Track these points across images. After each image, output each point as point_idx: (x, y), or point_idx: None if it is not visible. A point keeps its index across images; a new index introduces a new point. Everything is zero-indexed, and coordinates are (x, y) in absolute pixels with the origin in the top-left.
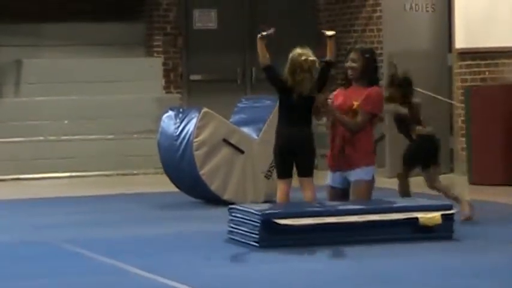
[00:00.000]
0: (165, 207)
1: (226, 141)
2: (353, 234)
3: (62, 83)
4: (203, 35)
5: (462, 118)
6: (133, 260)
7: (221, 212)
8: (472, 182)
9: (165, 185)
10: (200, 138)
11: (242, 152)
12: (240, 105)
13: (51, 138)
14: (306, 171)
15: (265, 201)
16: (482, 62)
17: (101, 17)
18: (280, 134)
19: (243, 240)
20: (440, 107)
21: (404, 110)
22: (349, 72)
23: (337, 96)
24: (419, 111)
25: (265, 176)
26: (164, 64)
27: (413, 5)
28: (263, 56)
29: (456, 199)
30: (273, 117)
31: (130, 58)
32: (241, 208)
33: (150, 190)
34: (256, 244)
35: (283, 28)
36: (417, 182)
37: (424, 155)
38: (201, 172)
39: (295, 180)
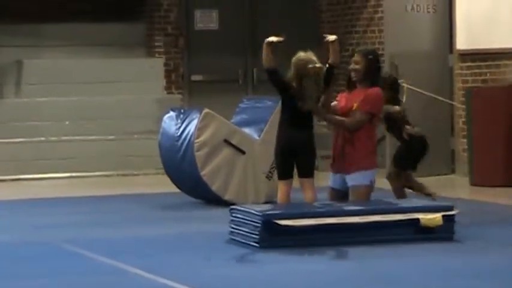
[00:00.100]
0: (166, 207)
1: (227, 141)
2: (354, 235)
3: (63, 83)
4: (204, 36)
5: (463, 119)
6: (134, 261)
7: (222, 212)
8: (473, 183)
9: (166, 186)
10: (201, 138)
11: (243, 152)
12: (241, 105)
13: (52, 138)
14: (307, 172)
15: (266, 202)
16: (483, 63)
17: (102, 18)
18: (282, 135)
19: (243, 240)
20: (441, 108)
21: (397, 109)
22: (352, 74)
23: (341, 99)
24: (405, 111)
25: (266, 177)
26: (165, 65)
27: (415, 6)
28: (267, 59)
29: (430, 195)
30: (275, 118)
31: (131, 59)
32: (242, 209)
33: (150, 191)
34: (257, 245)
35: (284, 29)
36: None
37: (415, 156)
38: (202, 173)
39: (296, 181)
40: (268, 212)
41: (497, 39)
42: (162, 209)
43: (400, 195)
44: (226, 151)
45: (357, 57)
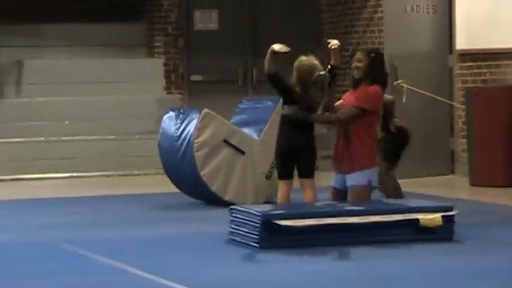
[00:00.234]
0: (166, 208)
1: (226, 142)
2: (353, 235)
3: (63, 83)
4: (204, 36)
5: (463, 119)
6: (134, 261)
7: (222, 212)
8: (473, 183)
9: (165, 186)
10: (201, 139)
11: (243, 152)
12: (241, 106)
13: (52, 138)
14: (307, 172)
15: (266, 202)
16: (483, 64)
17: (102, 18)
18: (283, 136)
19: (243, 241)
20: (441, 108)
21: (390, 98)
22: (354, 72)
23: (345, 97)
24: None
25: (265, 177)
26: (165, 65)
27: (414, 6)
28: (268, 64)
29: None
30: (274, 118)
31: (131, 59)
32: (241, 209)
33: (150, 191)
34: (257, 245)
35: (284, 29)
36: (420, 183)
37: (401, 149)
38: (202, 173)
39: (297, 181)
40: (268, 212)
41: (497, 40)
42: (161, 209)
43: (398, 194)
44: (226, 151)
45: (359, 55)
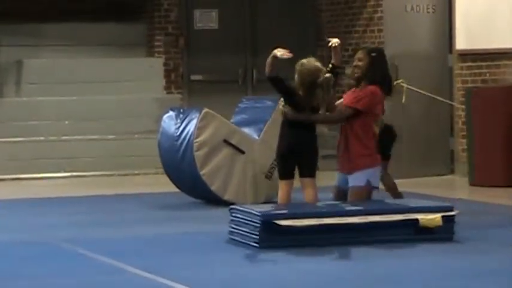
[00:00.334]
0: (166, 207)
1: (226, 141)
2: (353, 235)
3: (63, 83)
4: (204, 35)
5: (463, 119)
6: (134, 260)
7: (222, 212)
8: (473, 183)
9: (165, 186)
10: (201, 138)
11: (243, 152)
12: (241, 105)
13: (52, 138)
14: (309, 172)
15: (266, 202)
16: (483, 63)
17: (102, 17)
18: (285, 136)
19: (243, 241)
20: (441, 108)
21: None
22: (355, 70)
23: (345, 97)
24: None
25: (265, 177)
26: (165, 64)
27: (414, 6)
28: (269, 68)
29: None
30: (274, 118)
31: (131, 58)
32: (241, 209)
33: (150, 190)
34: (257, 245)
35: (284, 28)
36: (420, 183)
37: (391, 145)
38: (202, 172)
39: (297, 181)
40: (267, 212)
41: (496, 39)
42: (161, 208)
43: (396, 194)
44: (226, 151)
45: (360, 54)
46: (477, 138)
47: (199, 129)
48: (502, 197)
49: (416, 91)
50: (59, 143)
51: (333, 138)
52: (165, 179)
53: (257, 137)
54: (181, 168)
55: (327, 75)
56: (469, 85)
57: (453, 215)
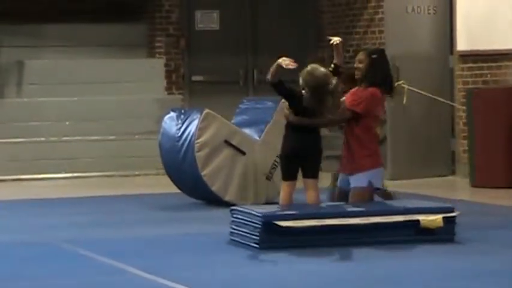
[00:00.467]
0: (167, 208)
1: (227, 142)
2: (354, 236)
3: (64, 84)
4: (205, 36)
5: (464, 120)
6: (134, 261)
7: (222, 213)
8: (474, 184)
9: (166, 186)
10: (202, 139)
11: (244, 153)
12: (242, 106)
13: (53, 139)
14: (312, 173)
15: (267, 203)
16: (484, 65)
17: (103, 18)
18: (288, 138)
19: (244, 241)
20: (442, 109)
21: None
22: (356, 72)
23: (347, 97)
24: None
25: (266, 178)
26: (166, 65)
27: (415, 7)
28: (272, 75)
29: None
30: (275, 119)
31: (132, 59)
32: (242, 209)
33: (151, 191)
34: (257, 246)
35: (285, 29)
36: (420, 184)
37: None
38: (203, 173)
39: (300, 182)
40: (268, 213)
41: (497, 40)
42: (162, 209)
43: (385, 194)
44: (227, 152)
45: (360, 56)
46: (478, 139)
47: (200, 130)
48: (503, 198)
49: (417, 92)
50: (60, 143)
51: (335, 139)
52: (165, 179)
53: (258, 138)
54: (183, 169)
55: (334, 81)
56: (470, 86)
57: (454, 216)
